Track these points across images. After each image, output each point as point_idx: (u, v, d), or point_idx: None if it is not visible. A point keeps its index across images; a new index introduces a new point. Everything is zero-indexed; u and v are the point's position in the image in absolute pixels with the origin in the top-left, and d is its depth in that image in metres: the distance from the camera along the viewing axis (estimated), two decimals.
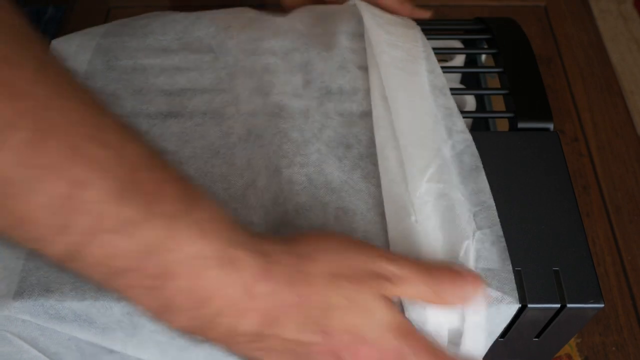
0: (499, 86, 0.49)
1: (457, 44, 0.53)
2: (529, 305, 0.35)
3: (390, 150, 0.39)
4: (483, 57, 0.55)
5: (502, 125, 0.47)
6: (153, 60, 0.47)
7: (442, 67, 0.51)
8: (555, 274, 0.36)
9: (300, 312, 0.30)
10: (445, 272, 0.32)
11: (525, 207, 0.39)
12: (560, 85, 0.67)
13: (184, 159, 0.41)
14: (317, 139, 0.41)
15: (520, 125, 0.44)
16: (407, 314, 0.34)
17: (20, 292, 0.34)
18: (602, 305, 0.36)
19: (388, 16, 0.48)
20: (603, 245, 0.55)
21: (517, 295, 0.35)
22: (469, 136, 0.40)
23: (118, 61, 0.47)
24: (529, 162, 0.41)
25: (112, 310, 0.34)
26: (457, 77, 0.53)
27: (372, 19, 0.46)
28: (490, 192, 0.38)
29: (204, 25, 0.49)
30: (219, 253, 0.28)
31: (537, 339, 0.40)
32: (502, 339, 0.40)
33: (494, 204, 0.38)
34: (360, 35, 0.46)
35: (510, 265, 0.35)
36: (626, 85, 1.41)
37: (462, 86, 0.53)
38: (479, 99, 0.52)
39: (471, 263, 0.35)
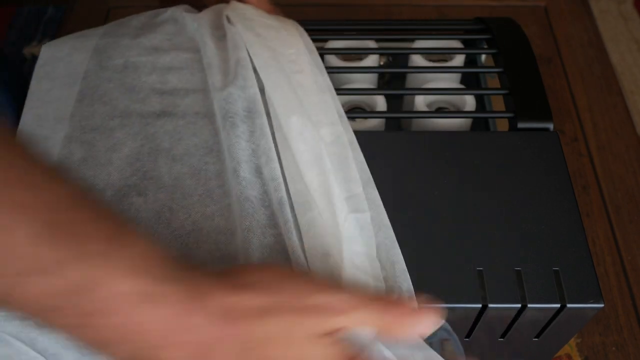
0: (499, 86, 0.49)
1: (457, 44, 0.53)
2: (529, 305, 0.35)
3: (285, 149, 0.40)
4: (483, 57, 0.55)
5: (502, 125, 0.47)
6: (145, 59, 0.47)
7: (442, 67, 0.51)
8: (555, 274, 0.36)
9: (234, 344, 0.29)
10: (401, 307, 0.31)
11: (525, 207, 0.39)
12: (560, 85, 0.67)
13: (178, 156, 0.41)
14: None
15: (520, 125, 0.44)
16: None
17: None
18: (602, 305, 0.36)
19: (260, 19, 0.48)
20: (603, 245, 0.55)
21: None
22: (339, 128, 0.41)
23: (111, 60, 0.47)
24: (529, 162, 0.41)
25: None
26: (457, 77, 0.53)
27: (243, 22, 0.47)
28: (359, 181, 0.39)
29: (190, 24, 0.49)
30: (150, 288, 0.28)
31: (537, 339, 0.40)
32: (502, 339, 0.40)
33: (362, 191, 0.38)
34: None
35: (375, 251, 0.36)
36: (626, 85, 1.41)
37: (462, 86, 0.53)
38: (479, 99, 0.52)
39: (344, 246, 0.35)
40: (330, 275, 0.35)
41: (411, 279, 0.36)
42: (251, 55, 0.44)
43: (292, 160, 0.39)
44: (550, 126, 0.44)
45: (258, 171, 0.39)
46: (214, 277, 0.30)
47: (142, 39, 0.49)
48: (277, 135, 0.41)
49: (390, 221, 0.38)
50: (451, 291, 0.36)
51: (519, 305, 0.36)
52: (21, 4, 1.58)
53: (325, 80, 0.45)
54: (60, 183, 0.28)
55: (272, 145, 0.40)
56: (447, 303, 0.36)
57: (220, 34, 0.48)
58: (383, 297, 0.32)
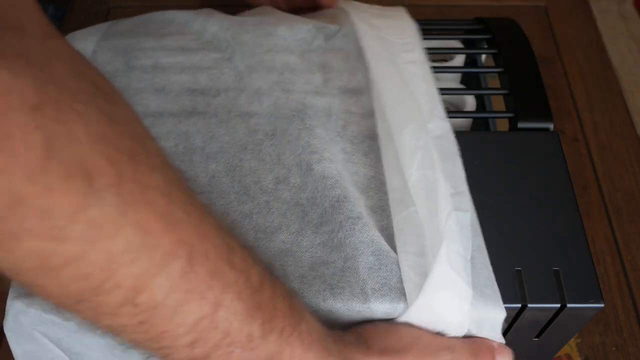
0: (499, 86, 0.49)
1: (457, 44, 0.53)
2: (529, 305, 0.35)
3: (387, 141, 0.40)
4: (483, 57, 0.55)
5: (502, 125, 0.47)
6: (173, 59, 0.46)
7: (442, 67, 0.51)
8: (555, 274, 0.36)
9: None
10: (484, 349, 0.36)
11: (526, 207, 0.39)
12: (560, 85, 0.67)
13: (212, 153, 0.41)
14: (341, 137, 0.41)
15: (520, 125, 0.44)
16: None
17: None
18: (602, 305, 0.36)
19: (373, 10, 0.49)
20: (603, 245, 0.55)
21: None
22: (447, 123, 0.41)
23: (138, 60, 0.46)
24: (529, 162, 0.41)
25: None
26: (457, 77, 0.53)
27: (358, 15, 0.47)
28: (465, 180, 0.38)
29: (217, 22, 0.48)
30: None
31: (537, 339, 0.40)
32: None
33: (467, 190, 0.38)
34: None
35: (470, 254, 0.36)
36: (626, 85, 1.41)
37: (462, 86, 0.53)
38: (479, 99, 0.52)
39: (443, 244, 0.35)
40: (420, 275, 0.35)
41: None
42: (364, 47, 0.44)
43: (392, 153, 0.39)
44: (551, 126, 0.44)
45: (309, 169, 0.39)
46: (358, 346, 0.34)
47: (168, 40, 0.48)
48: (379, 127, 0.40)
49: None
50: None
51: (519, 305, 0.36)
52: None
53: (432, 74, 0.44)
54: (254, 264, 0.30)
55: (325, 145, 0.40)
56: None
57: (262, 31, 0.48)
58: (476, 343, 0.36)
